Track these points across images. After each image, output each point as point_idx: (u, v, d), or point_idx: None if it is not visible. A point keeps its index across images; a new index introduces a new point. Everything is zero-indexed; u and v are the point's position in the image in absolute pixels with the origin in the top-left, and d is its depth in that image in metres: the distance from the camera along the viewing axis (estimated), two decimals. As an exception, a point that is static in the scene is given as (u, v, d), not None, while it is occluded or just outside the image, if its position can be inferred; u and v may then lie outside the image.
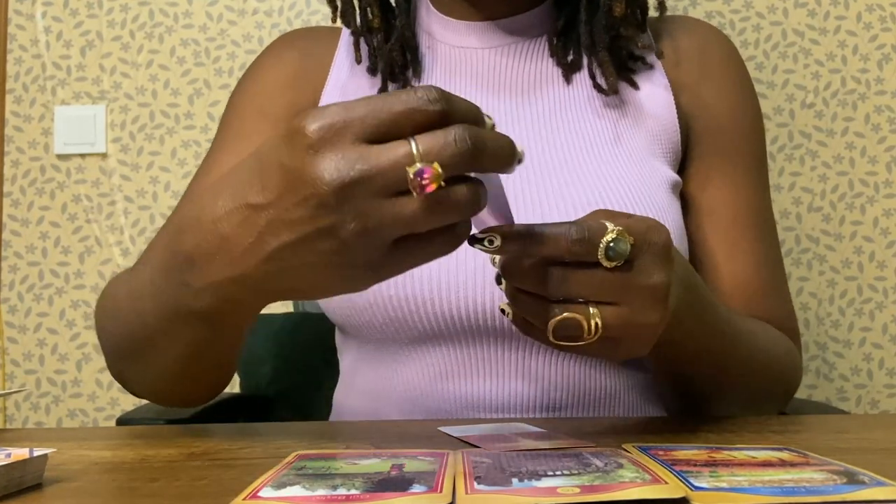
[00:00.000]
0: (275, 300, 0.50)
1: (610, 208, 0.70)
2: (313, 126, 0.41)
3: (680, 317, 0.54)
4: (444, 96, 0.42)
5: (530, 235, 0.47)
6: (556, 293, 0.48)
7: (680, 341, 0.58)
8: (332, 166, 0.41)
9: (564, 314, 0.48)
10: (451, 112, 0.42)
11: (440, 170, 0.40)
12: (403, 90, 0.42)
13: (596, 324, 0.48)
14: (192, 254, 0.48)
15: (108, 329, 0.66)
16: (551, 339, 0.49)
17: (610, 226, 0.48)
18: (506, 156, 0.42)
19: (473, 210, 0.42)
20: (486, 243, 0.46)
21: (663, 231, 0.51)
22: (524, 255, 0.48)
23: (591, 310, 0.48)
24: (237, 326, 0.55)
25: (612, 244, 0.47)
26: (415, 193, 0.41)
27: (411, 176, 0.40)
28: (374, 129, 0.42)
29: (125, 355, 0.64)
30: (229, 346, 0.58)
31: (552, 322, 0.48)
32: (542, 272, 0.47)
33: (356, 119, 0.42)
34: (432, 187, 0.40)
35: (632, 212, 0.70)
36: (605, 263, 0.47)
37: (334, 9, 0.84)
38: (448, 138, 0.40)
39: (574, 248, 0.47)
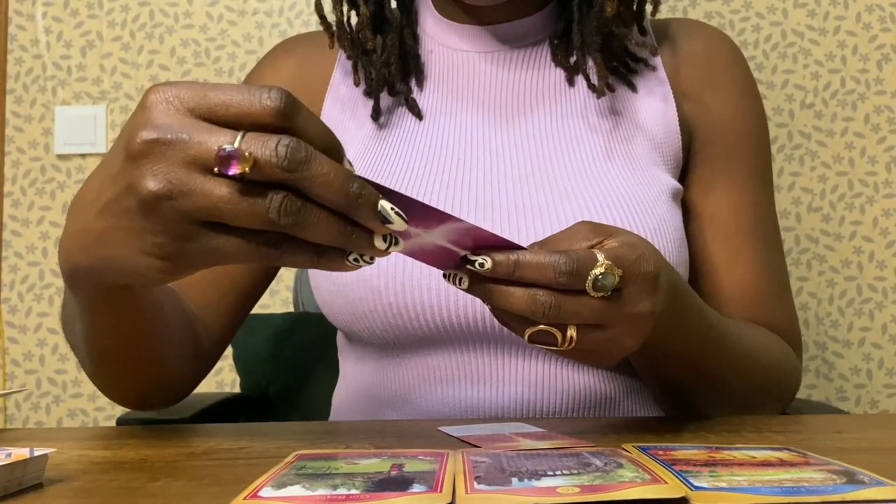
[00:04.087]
0: (106, 270, 0.48)
1: (606, 221, 0.70)
2: (160, 89, 0.42)
3: (660, 322, 0.55)
4: (291, 107, 0.41)
5: (519, 262, 0.47)
6: (541, 319, 0.48)
7: (660, 343, 0.58)
8: (154, 123, 0.41)
9: (540, 327, 0.49)
10: (294, 125, 0.41)
11: (250, 158, 0.40)
12: (258, 87, 0.41)
13: (571, 337, 0.49)
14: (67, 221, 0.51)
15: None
16: (525, 340, 0.50)
17: (600, 257, 0.48)
18: (331, 187, 0.41)
19: (286, 221, 0.41)
20: (477, 265, 0.47)
21: (652, 259, 0.51)
22: (511, 279, 0.48)
23: (570, 328, 0.49)
24: (92, 296, 0.54)
25: (600, 277, 0.48)
26: (215, 169, 0.40)
27: (217, 149, 0.40)
28: (210, 110, 0.41)
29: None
30: (107, 325, 0.58)
31: (529, 331, 0.49)
32: (529, 296, 0.48)
33: (199, 95, 0.42)
34: (234, 168, 0.40)
35: (629, 223, 0.70)
36: (592, 294, 0.48)
37: (330, 34, 0.82)
38: (272, 141, 0.40)
39: (561, 279, 0.47)
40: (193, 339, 0.73)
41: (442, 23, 0.82)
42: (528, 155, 0.76)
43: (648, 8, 0.81)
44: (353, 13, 0.82)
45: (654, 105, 0.79)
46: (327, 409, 0.86)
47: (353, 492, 0.37)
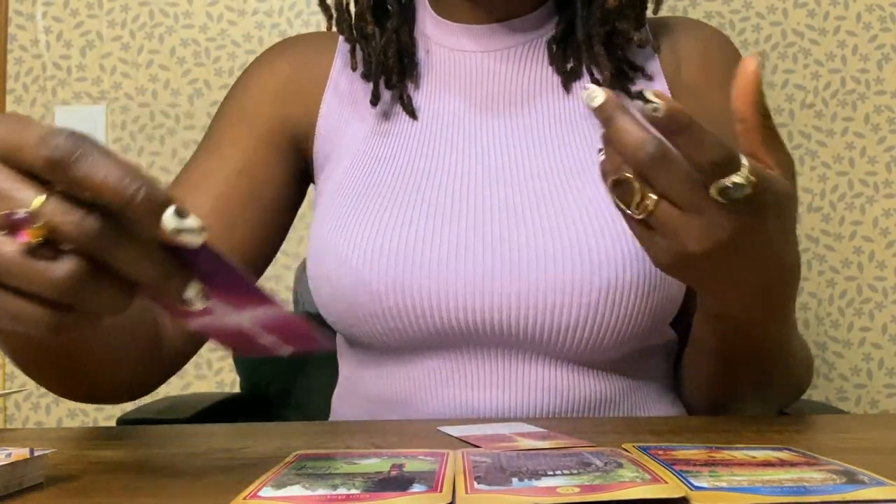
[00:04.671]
0: None
1: (601, 223, 0.70)
2: None
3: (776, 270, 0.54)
4: (68, 157, 0.36)
5: (688, 127, 0.46)
6: (636, 165, 0.47)
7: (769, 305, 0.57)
8: None
9: (626, 175, 0.48)
10: (71, 178, 0.36)
11: (43, 228, 0.36)
12: (50, 130, 0.36)
13: (646, 205, 0.48)
14: None
15: None
16: (607, 187, 0.49)
17: (746, 165, 0.46)
18: (145, 267, 0.38)
19: (69, 293, 0.37)
20: (650, 110, 0.46)
21: (792, 202, 0.51)
22: (671, 130, 0.47)
23: (652, 195, 0.48)
24: None
25: (732, 186, 0.46)
26: (2, 232, 0.37)
27: (8, 212, 0.37)
28: (10, 154, 0.37)
29: None
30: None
31: (613, 177, 0.49)
32: (641, 138, 0.46)
33: (7, 136, 0.37)
34: (23, 237, 0.37)
35: (626, 225, 0.70)
36: (714, 195, 0.46)
37: (329, 17, 0.83)
38: (75, 214, 0.36)
39: (704, 160, 0.46)
40: (150, 341, 0.71)
41: (441, 23, 0.82)
42: (526, 156, 0.76)
43: (650, 8, 0.81)
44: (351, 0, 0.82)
45: None
46: (327, 410, 0.86)
47: (353, 492, 0.38)
